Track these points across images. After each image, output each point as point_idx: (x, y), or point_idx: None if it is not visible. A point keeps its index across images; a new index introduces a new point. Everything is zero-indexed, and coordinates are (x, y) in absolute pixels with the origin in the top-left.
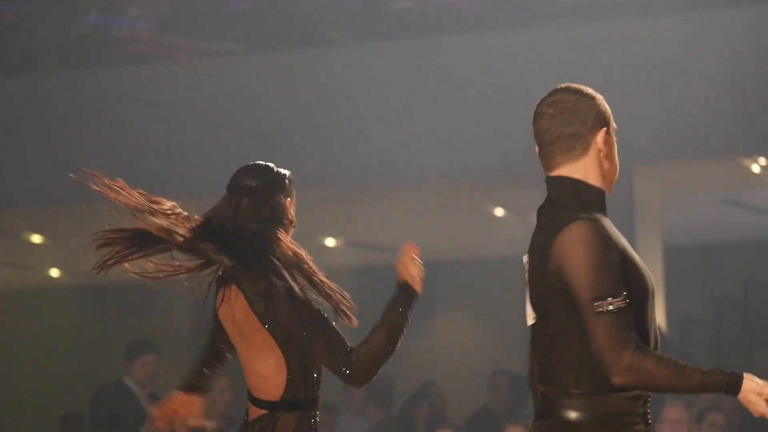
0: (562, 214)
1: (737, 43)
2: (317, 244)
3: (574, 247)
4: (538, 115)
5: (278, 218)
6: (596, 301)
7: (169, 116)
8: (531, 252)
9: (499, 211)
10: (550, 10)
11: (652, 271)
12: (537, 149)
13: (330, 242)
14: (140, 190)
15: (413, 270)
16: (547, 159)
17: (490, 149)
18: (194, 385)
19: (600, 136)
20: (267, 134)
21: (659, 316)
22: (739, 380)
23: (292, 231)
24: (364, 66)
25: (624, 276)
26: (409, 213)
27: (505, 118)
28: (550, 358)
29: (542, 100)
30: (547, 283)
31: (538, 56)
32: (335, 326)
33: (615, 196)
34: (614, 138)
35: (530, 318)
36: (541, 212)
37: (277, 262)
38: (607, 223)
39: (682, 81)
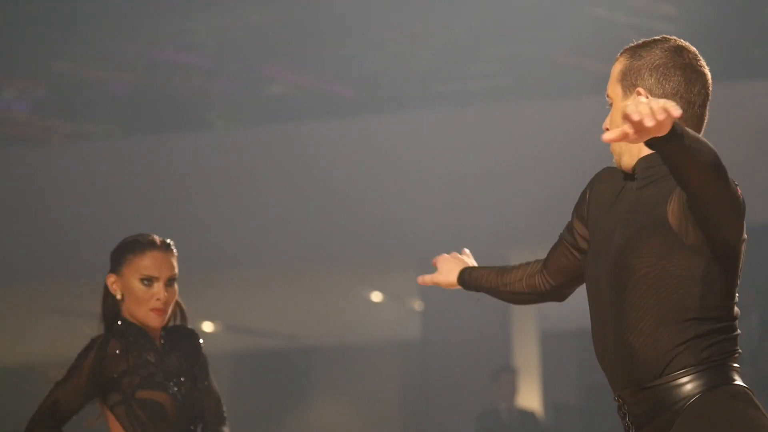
0: None
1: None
2: (195, 328)
3: None
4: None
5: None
6: None
7: (44, 198)
8: None
9: (376, 296)
10: (425, 95)
11: (527, 356)
12: (704, 111)
13: (208, 327)
14: None
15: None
16: None
17: (367, 234)
18: None
19: None
20: (143, 218)
21: (533, 400)
22: None
23: (137, 307)
24: (240, 150)
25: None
26: (287, 298)
27: (381, 202)
28: None
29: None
30: None
31: (413, 140)
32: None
33: None
34: None
35: None
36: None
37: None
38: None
39: (554, 165)
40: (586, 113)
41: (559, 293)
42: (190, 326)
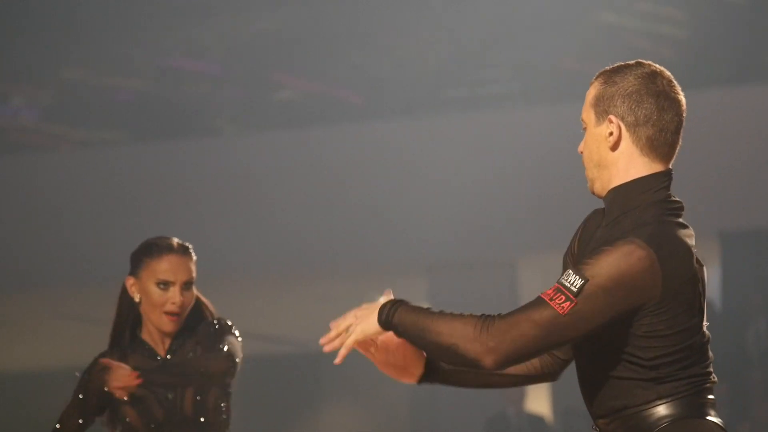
0: None
1: None
2: None
3: None
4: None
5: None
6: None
7: (52, 205)
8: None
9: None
10: (433, 100)
11: None
12: (677, 138)
13: None
14: None
15: None
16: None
17: (376, 239)
18: None
19: None
20: (151, 224)
21: (542, 404)
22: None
23: (152, 310)
24: (249, 156)
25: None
26: (297, 304)
27: (390, 207)
28: None
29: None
30: None
31: (421, 146)
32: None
33: (498, 286)
34: None
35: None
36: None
37: None
38: None
39: (562, 170)
40: None
41: (561, 369)
42: (217, 322)
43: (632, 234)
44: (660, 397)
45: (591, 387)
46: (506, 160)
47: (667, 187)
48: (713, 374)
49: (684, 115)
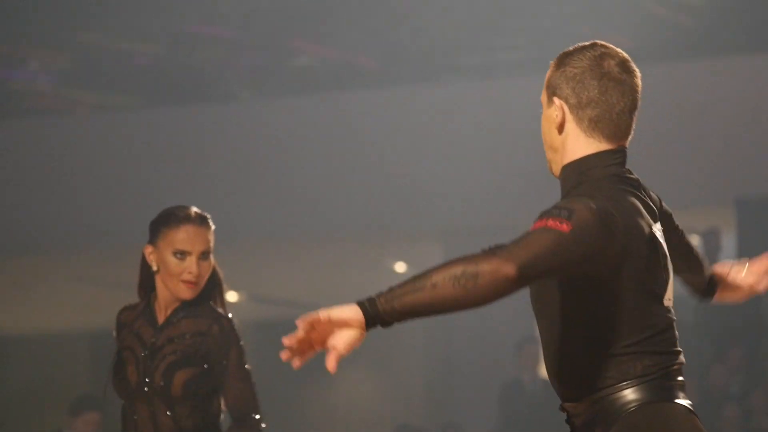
0: None
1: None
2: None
3: None
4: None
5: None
6: None
7: (68, 169)
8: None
9: (400, 266)
10: (450, 66)
11: None
12: (627, 118)
13: (232, 296)
14: None
15: None
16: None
17: (391, 204)
18: None
19: None
20: (167, 188)
21: None
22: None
23: (169, 278)
24: (264, 121)
25: None
26: (312, 268)
27: (406, 173)
28: None
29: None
30: None
31: (435, 112)
32: None
33: None
34: None
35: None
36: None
37: None
38: None
39: None
40: None
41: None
42: (220, 306)
43: (585, 197)
44: (625, 380)
45: (555, 368)
46: (522, 126)
47: (620, 164)
48: (681, 355)
49: (635, 95)
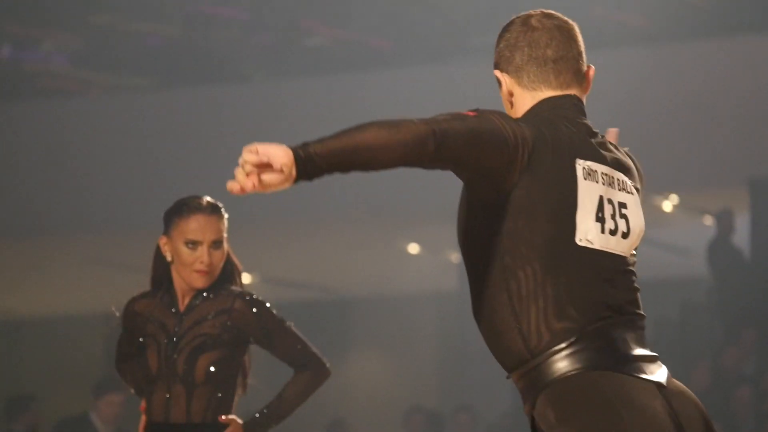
0: None
1: (646, 81)
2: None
3: None
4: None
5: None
6: None
7: (82, 150)
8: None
9: (413, 248)
10: (461, 48)
11: None
12: (566, 64)
13: (245, 278)
14: None
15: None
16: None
17: (405, 186)
18: None
19: None
20: (180, 169)
21: None
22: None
23: (183, 268)
24: (278, 102)
25: None
26: (324, 249)
27: None
28: None
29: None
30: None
31: (448, 93)
32: None
33: None
34: None
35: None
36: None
37: None
38: None
39: (591, 117)
40: (625, 66)
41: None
42: (240, 288)
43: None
44: (551, 345)
45: (488, 339)
46: None
47: (565, 108)
48: (627, 306)
49: (568, 39)
